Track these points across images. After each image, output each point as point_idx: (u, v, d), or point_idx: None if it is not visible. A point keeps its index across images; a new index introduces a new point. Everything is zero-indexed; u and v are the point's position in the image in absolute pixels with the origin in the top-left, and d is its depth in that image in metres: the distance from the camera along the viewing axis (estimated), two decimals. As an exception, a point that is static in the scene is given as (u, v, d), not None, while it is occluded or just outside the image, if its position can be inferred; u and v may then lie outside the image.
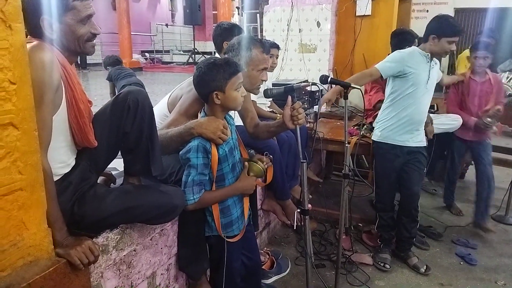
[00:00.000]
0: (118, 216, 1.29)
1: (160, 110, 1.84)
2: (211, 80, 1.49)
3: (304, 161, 1.75)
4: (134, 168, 1.44)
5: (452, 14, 8.59)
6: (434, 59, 2.40)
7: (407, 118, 2.37)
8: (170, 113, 1.74)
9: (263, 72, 1.79)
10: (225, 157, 1.57)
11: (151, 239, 1.51)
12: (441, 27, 2.27)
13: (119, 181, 1.57)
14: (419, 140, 2.43)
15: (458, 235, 2.92)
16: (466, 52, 4.13)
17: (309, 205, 1.84)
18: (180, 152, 1.52)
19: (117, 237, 1.34)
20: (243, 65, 1.68)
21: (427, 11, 8.71)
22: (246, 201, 1.70)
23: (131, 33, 10.19)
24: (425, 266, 2.47)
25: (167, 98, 1.87)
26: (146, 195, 1.36)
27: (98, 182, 1.43)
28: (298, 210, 1.82)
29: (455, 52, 7.97)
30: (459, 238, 2.87)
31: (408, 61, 2.33)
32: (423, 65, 2.35)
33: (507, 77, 3.56)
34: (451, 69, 8.29)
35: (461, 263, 2.59)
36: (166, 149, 1.55)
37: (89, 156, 1.32)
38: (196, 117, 1.62)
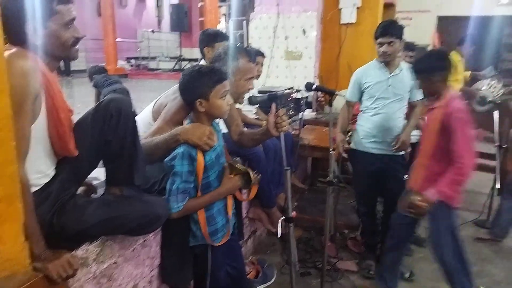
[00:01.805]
0: (99, 228, 1.26)
1: (145, 118, 1.82)
2: (195, 87, 1.49)
3: (288, 168, 1.75)
4: (116, 177, 1.41)
5: (435, 22, 8.81)
6: (402, 65, 2.43)
7: (376, 126, 2.44)
8: (154, 121, 1.73)
9: (250, 81, 1.79)
10: (212, 164, 1.56)
11: (133, 251, 1.48)
12: (375, 31, 2.36)
13: (101, 191, 1.54)
14: (391, 148, 2.44)
15: (441, 241, 2.96)
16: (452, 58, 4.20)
17: (294, 213, 1.83)
18: (165, 159, 1.50)
19: (97, 249, 1.32)
20: (230, 74, 1.67)
21: (411, 18, 8.90)
22: (230, 208, 1.69)
23: (117, 39, 10.10)
24: (409, 272, 2.49)
25: (151, 106, 1.86)
26: (128, 205, 1.33)
27: (78, 192, 1.40)
28: (283, 218, 1.82)
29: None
30: (442, 243, 2.90)
31: (362, 76, 2.47)
32: (380, 75, 2.42)
33: (488, 84, 3.63)
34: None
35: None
36: (152, 157, 1.53)
37: (69, 165, 1.30)
38: (181, 124, 1.61)
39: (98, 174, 1.59)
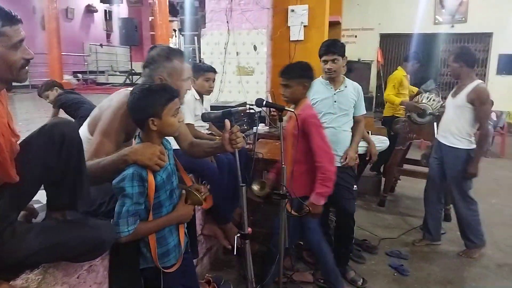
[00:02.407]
0: (39, 256, 1.18)
1: (82, 133, 1.74)
2: (147, 106, 1.43)
3: (243, 184, 1.75)
4: (58, 202, 1.34)
5: (378, 39, 9.34)
6: (347, 82, 2.55)
7: None
8: (91, 135, 1.64)
9: (187, 82, 1.76)
10: (163, 184, 1.51)
11: (78, 277, 1.40)
12: (319, 49, 2.52)
13: (43, 214, 1.45)
14: (340, 160, 2.52)
15: (391, 247, 3.09)
16: (396, 73, 4.46)
17: (249, 229, 1.83)
18: (113, 181, 1.43)
19: (39, 278, 1.23)
20: (165, 75, 1.65)
21: (356, 36, 9.39)
22: (182, 229, 1.64)
23: (62, 53, 9.68)
24: (361, 279, 2.57)
25: (87, 120, 1.77)
26: (70, 231, 1.26)
27: (18, 218, 1.31)
28: (238, 235, 1.81)
29: (381, 74, 8.56)
30: (392, 249, 3.03)
31: (310, 93, 2.52)
32: (326, 91, 2.54)
33: (427, 97, 3.88)
34: (379, 90, 8.94)
35: (395, 274, 2.73)
36: (99, 179, 1.47)
37: (9, 191, 1.20)
38: (119, 136, 1.55)
39: (40, 197, 1.50)
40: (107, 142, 1.52)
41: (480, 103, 2.77)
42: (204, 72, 2.77)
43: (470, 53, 2.96)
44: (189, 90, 1.83)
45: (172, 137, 1.88)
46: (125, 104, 1.55)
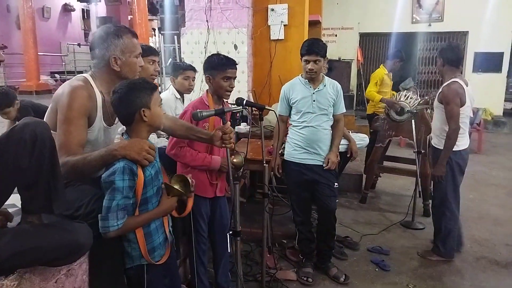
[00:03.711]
0: (14, 261, 1.15)
1: None
2: (136, 98, 1.47)
3: (237, 182, 1.77)
4: (33, 205, 1.30)
5: (357, 38, 9.46)
6: (326, 81, 2.56)
7: (304, 139, 2.55)
8: (54, 131, 1.58)
9: (139, 59, 1.71)
10: (151, 180, 1.53)
11: (56, 282, 1.36)
12: (301, 48, 2.52)
13: (18, 218, 1.41)
14: (320, 159, 2.55)
15: (372, 243, 3.13)
16: (378, 71, 4.52)
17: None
18: (103, 175, 1.43)
19: (14, 283, 1.19)
20: (118, 53, 1.60)
21: (336, 35, 9.48)
22: (166, 221, 1.66)
23: (39, 53, 9.43)
24: (344, 276, 2.60)
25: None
26: (46, 235, 1.23)
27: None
28: (230, 232, 1.84)
29: (361, 72, 8.65)
30: (373, 246, 3.08)
31: (288, 92, 2.61)
32: (305, 90, 2.55)
33: (405, 95, 3.95)
34: (359, 88, 9.06)
35: (377, 269, 2.77)
36: (86, 174, 1.47)
37: (-20, 195, 1.17)
38: (82, 119, 1.52)
39: (15, 200, 1.46)
40: (73, 129, 1.49)
41: (445, 103, 2.72)
42: (183, 71, 2.75)
43: (453, 50, 2.81)
44: (141, 66, 1.77)
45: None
46: (76, 88, 1.52)
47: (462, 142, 2.76)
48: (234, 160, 2.11)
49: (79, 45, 11.63)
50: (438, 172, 2.76)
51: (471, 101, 2.80)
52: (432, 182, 2.95)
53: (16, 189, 1.29)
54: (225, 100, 2.23)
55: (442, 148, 2.76)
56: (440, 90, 2.79)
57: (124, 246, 1.55)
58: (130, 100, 1.47)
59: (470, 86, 2.81)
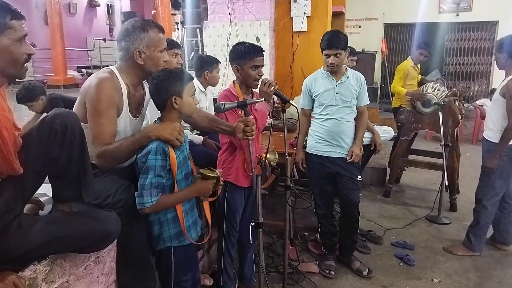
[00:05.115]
0: (46, 248, 1.20)
1: None
2: (170, 85, 1.55)
3: (259, 174, 1.77)
4: (64, 194, 1.35)
5: (382, 29, 9.24)
6: (348, 72, 2.52)
7: (327, 131, 2.52)
8: (85, 124, 1.63)
9: (164, 53, 1.73)
10: (179, 163, 1.60)
11: (85, 268, 1.41)
12: (320, 42, 2.46)
13: (49, 207, 1.46)
14: (343, 151, 2.52)
15: (396, 237, 3.09)
16: (404, 64, 4.41)
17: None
18: (138, 155, 1.54)
19: (47, 269, 1.24)
20: (143, 47, 1.62)
21: (360, 26, 9.29)
22: (206, 205, 1.75)
23: (66, 48, 9.68)
24: (367, 269, 2.57)
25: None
26: (76, 223, 1.27)
27: (24, 210, 1.32)
28: (252, 224, 1.86)
29: (386, 64, 8.42)
30: (397, 240, 3.03)
31: (311, 86, 2.58)
32: (327, 83, 2.51)
33: (432, 87, 3.85)
34: (384, 80, 8.88)
35: (401, 264, 2.73)
36: (124, 160, 1.57)
37: (14, 184, 1.22)
38: (111, 111, 1.55)
39: (46, 190, 1.51)
40: (104, 120, 1.52)
41: (508, 97, 2.59)
42: (216, 64, 2.80)
43: None
44: (166, 61, 1.78)
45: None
46: (103, 80, 1.55)
47: None
48: (268, 156, 2.14)
49: (104, 40, 11.88)
50: (490, 164, 2.69)
51: None
52: (482, 173, 2.83)
53: (47, 178, 1.34)
54: (254, 90, 2.21)
55: (496, 141, 2.67)
56: (505, 83, 2.66)
57: (154, 230, 1.63)
58: (164, 87, 1.56)
59: (501, 78, 2.71)
